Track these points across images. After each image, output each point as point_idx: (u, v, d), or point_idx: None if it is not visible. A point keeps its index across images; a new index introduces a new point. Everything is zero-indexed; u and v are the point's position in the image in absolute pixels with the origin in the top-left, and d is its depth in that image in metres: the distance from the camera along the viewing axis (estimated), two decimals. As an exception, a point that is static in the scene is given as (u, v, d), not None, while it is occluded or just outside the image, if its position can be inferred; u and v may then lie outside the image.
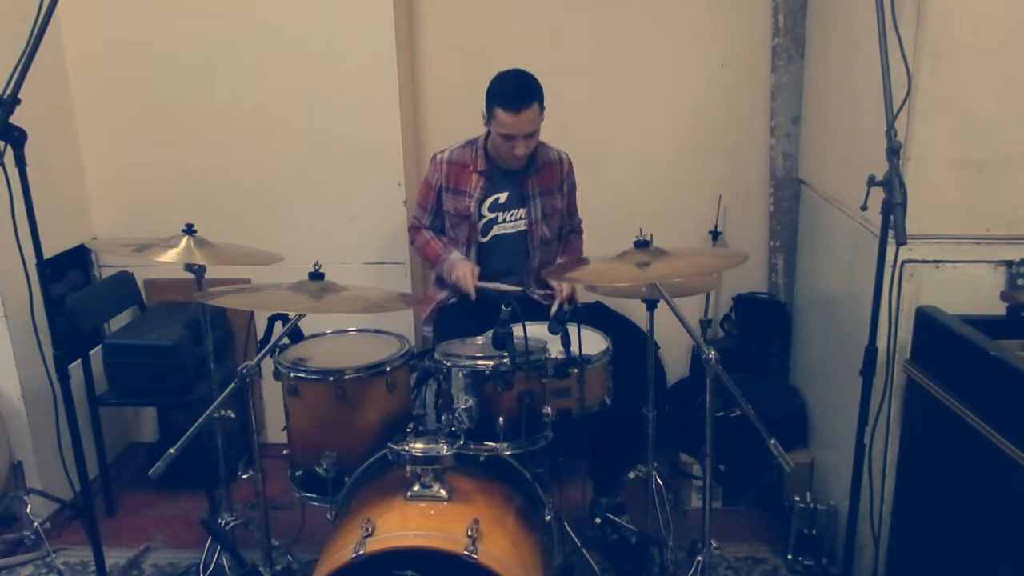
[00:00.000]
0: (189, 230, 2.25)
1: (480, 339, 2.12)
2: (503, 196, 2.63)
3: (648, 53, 3.14)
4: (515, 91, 2.42)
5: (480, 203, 2.63)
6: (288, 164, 3.08)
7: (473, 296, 2.55)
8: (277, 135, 3.05)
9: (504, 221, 2.64)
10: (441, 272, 2.70)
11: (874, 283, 1.89)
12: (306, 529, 2.37)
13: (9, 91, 1.77)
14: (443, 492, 1.87)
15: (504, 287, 2.55)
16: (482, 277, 2.65)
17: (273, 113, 3.03)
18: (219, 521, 2.41)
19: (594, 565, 2.38)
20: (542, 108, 2.47)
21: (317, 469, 2.00)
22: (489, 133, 2.57)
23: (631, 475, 2.39)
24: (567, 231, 2.83)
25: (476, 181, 2.62)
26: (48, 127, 2.94)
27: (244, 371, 2.01)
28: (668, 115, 3.20)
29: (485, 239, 2.66)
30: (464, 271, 2.58)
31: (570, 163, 2.73)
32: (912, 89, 1.91)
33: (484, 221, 2.64)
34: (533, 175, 2.63)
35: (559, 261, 2.75)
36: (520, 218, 2.64)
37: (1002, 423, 1.66)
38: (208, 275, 2.31)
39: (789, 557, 2.53)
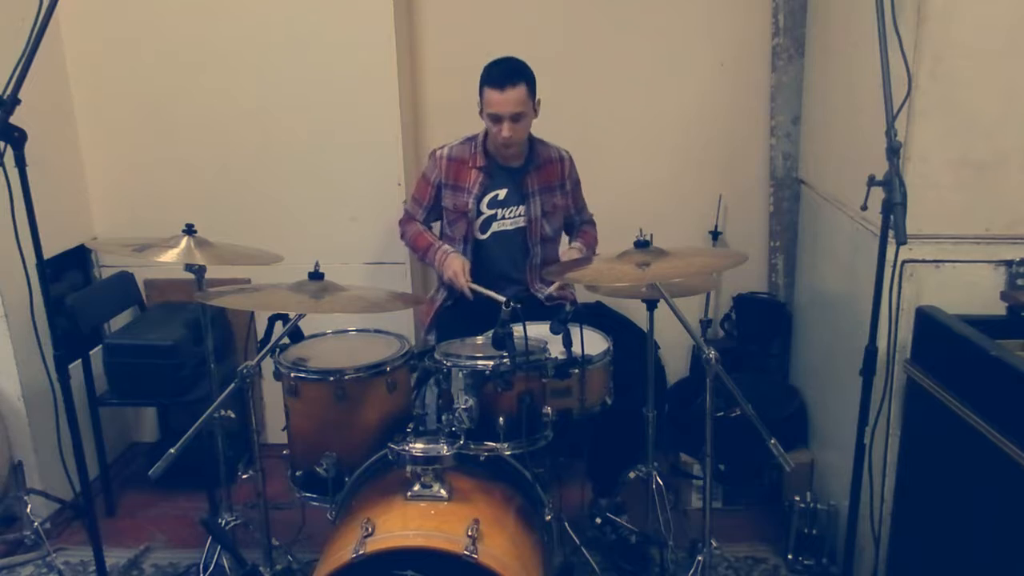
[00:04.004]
0: (189, 230, 2.25)
1: (480, 339, 2.12)
2: (502, 193, 2.63)
3: (648, 52, 3.15)
4: (502, 71, 2.44)
5: (479, 199, 2.62)
6: (288, 164, 3.08)
7: (469, 295, 2.54)
8: (277, 135, 3.05)
9: (503, 218, 2.64)
10: (432, 263, 2.67)
11: (874, 283, 1.89)
12: (306, 529, 2.37)
13: (9, 91, 1.77)
14: (443, 492, 1.87)
15: (493, 295, 2.47)
16: (480, 276, 2.65)
17: (273, 113, 3.03)
18: (219, 521, 2.41)
19: (594, 565, 2.38)
20: (532, 93, 2.47)
21: (317, 469, 2.00)
22: (488, 131, 2.57)
23: (631, 475, 2.39)
24: (578, 223, 2.83)
25: (475, 177, 2.62)
26: (48, 127, 2.94)
27: (244, 371, 2.01)
28: (668, 115, 3.20)
29: (484, 236, 2.66)
30: (456, 268, 2.56)
31: (571, 160, 2.72)
32: (912, 89, 1.91)
33: (483, 218, 2.64)
34: (533, 172, 2.63)
35: (574, 244, 2.76)
36: (519, 215, 2.64)
37: (1002, 423, 1.66)
38: (208, 275, 2.30)
39: (789, 557, 2.54)
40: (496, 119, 2.47)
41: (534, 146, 2.63)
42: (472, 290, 2.54)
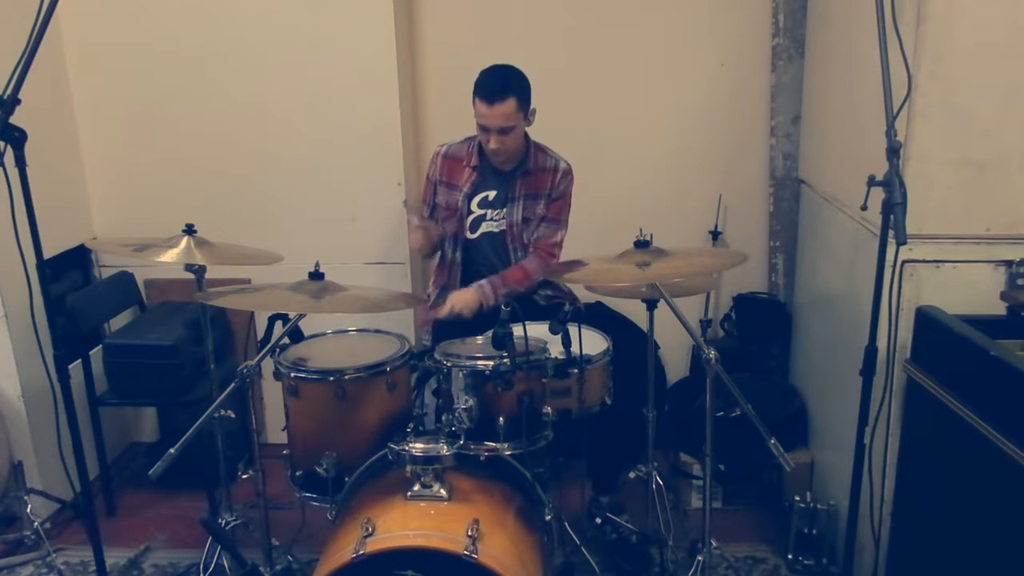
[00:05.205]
0: (189, 230, 2.25)
1: (480, 339, 2.12)
2: (492, 194, 2.64)
3: (648, 53, 3.15)
4: (493, 83, 2.43)
5: (469, 198, 2.63)
6: (288, 164, 3.08)
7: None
8: (277, 135, 3.05)
9: (490, 219, 2.65)
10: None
11: (874, 283, 1.89)
12: (306, 529, 2.37)
13: (9, 91, 1.77)
14: (443, 492, 1.87)
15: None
16: (470, 275, 2.65)
17: (273, 113, 3.03)
18: (219, 521, 2.41)
19: (594, 565, 2.38)
20: (523, 105, 2.45)
21: (317, 469, 2.00)
22: None
23: (631, 475, 2.39)
24: (535, 238, 2.62)
25: (468, 176, 2.63)
26: (48, 127, 2.94)
27: (244, 371, 2.01)
28: (668, 115, 3.20)
29: (474, 236, 2.66)
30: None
31: (567, 172, 2.63)
32: (912, 89, 1.91)
33: (473, 217, 2.65)
34: (521, 177, 2.62)
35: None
36: (502, 217, 2.64)
37: (1002, 423, 1.66)
38: (208, 275, 2.31)
39: (789, 557, 2.54)
40: (485, 130, 2.48)
41: (530, 152, 2.62)
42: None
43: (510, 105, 2.42)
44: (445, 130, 2.98)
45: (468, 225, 2.65)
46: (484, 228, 2.65)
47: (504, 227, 2.64)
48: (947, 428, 1.85)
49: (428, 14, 3.15)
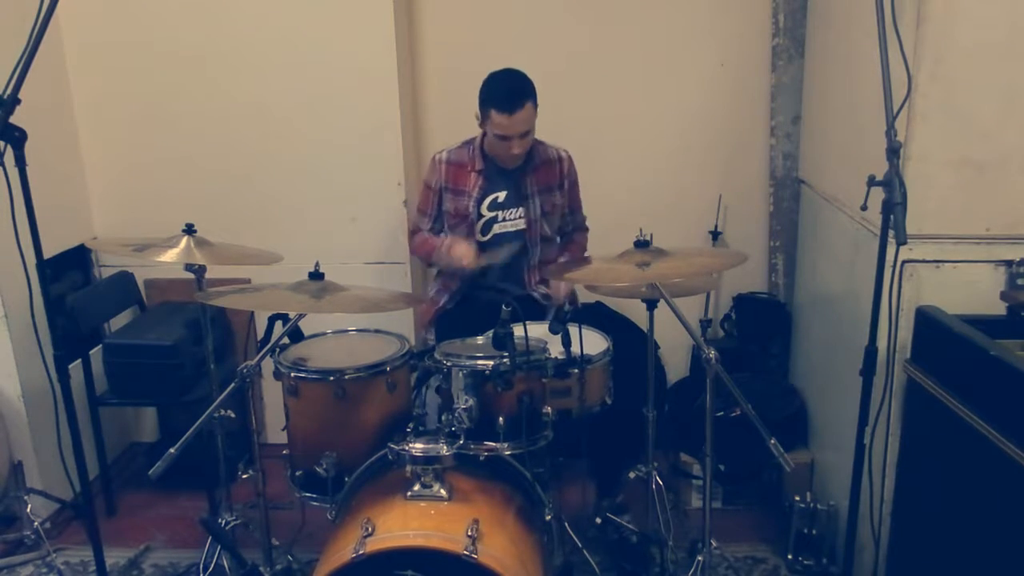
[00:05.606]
0: (189, 230, 2.25)
1: (480, 339, 2.12)
2: (501, 195, 2.64)
3: (648, 53, 3.15)
4: (508, 92, 2.43)
5: (479, 202, 2.63)
6: (288, 164, 3.08)
7: (473, 264, 2.57)
8: (277, 135, 3.05)
9: (504, 220, 2.65)
10: (440, 261, 2.69)
11: (874, 283, 1.89)
12: (306, 529, 2.37)
13: (9, 91, 1.77)
14: (443, 492, 1.87)
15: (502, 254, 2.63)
16: (481, 277, 2.66)
17: (273, 113, 3.03)
18: (219, 521, 2.41)
19: (594, 565, 2.38)
20: (535, 106, 2.47)
21: (317, 469, 2.00)
22: (485, 133, 2.57)
23: (631, 475, 2.39)
24: (570, 229, 2.82)
25: (474, 181, 2.63)
26: (48, 127, 2.94)
27: (244, 371, 2.01)
28: (668, 115, 3.20)
29: (485, 238, 2.66)
30: (461, 254, 2.57)
31: (570, 159, 2.72)
32: (912, 90, 1.91)
33: (483, 220, 2.65)
34: (531, 173, 2.64)
35: (560, 259, 2.74)
36: (519, 216, 2.65)
37: (1002, 423, 1.66)
38: (208, 275, 2.31)
39: (789, 557, 2.54)
40: (505, 138, 2.48)
41: (532, 147, 2.63)
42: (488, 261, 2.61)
43: (528, 110, 2.44)
44: (445, 130, 3.00)
45: (479, 229, 2.65)
46: (497, 229, 2.66)
47: (522, 226, 2.65)
48: (947, 428, 1.85)
49: (428, 14, 3.15)
